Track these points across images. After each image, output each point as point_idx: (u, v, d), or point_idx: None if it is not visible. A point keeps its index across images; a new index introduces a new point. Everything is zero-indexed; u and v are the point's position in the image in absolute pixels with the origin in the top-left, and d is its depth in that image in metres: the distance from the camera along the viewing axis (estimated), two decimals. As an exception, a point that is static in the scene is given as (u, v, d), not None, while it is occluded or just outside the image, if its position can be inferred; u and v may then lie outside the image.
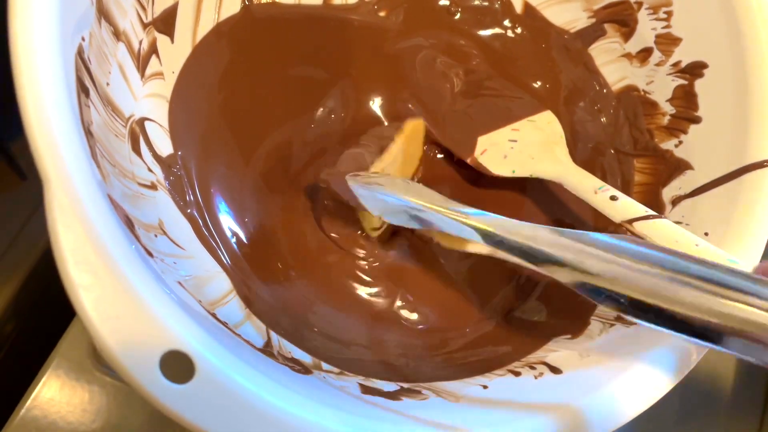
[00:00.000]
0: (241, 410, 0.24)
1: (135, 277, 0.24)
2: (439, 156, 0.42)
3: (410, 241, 0.39)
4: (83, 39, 0.27)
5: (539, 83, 0.43)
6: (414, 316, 0.37)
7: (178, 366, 0.24)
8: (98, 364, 0.41)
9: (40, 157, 0.23)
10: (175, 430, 0.39)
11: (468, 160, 0.40)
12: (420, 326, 0.37)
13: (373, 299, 0.37)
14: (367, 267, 0.38)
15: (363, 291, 0.37)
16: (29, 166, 0.45)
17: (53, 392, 0.40)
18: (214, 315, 0.30)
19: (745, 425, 0.45)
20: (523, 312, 0.38)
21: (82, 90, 0.26)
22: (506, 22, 0.43)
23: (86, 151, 0.24)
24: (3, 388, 0.41)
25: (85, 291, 0.23)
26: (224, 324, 0.30)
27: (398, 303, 0.37)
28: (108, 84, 0.31)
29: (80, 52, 0.27)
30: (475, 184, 0.41)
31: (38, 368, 0.41)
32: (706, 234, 0.34)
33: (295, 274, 0.36)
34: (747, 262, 0.31)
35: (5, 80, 0.41)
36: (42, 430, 0.39)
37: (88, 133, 0.26)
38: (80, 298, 0.22)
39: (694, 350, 0.31)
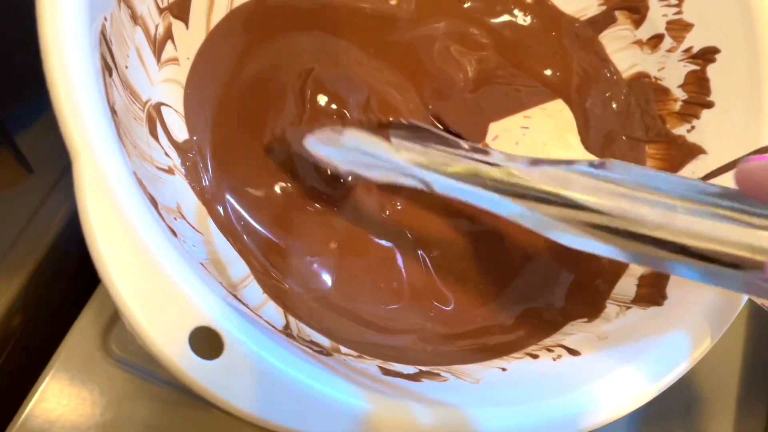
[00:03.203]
0: (269, 386, 0.24)
1: (162, 254, 0.23)
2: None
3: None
4: (105, 19, 0.27)
5: (550, 71, 0.43)
6: (432, 300, 0.37)
7: (206, 343, 0.24)
8: (107, 356, 0.41)
9: (69, 131, 0.23)
10: (189, 419, 0.39)
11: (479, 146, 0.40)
12: (437, 311, 0.37)
13: (388, 284, 0.37)
14: (384, 245, 0.38)
15: (378, 274, 0.37)
16: (36, 160, 0.45)
17: (62, 385, 0.40)
18: (236, 296, 0.30)
19: (752, 418, 0.45)
20: (540, 296, 0.38)
21: (106, 69, 0.26)
22: (516, 11, 0.44)
23: (112, 128, 0.24)
24: (12, 382, 0.41)
25: (114, 265, 0.22)
26: (246, 305, 0.30)
27: (415, 286, 0.37)
28: (127, 67, 0.30)
29: (103, 32, 0.27)
30: None
31: (46, 361, 0.40)
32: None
33: (311, 258, 0.36)
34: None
35: (12, 74, 0.41)
36: (52, 423, 0.38)
37: (113, 111, 0.26)
38: (109, 272, 0.22)
39: (709, 332, 0.31)
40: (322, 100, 0.39)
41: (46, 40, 0.23)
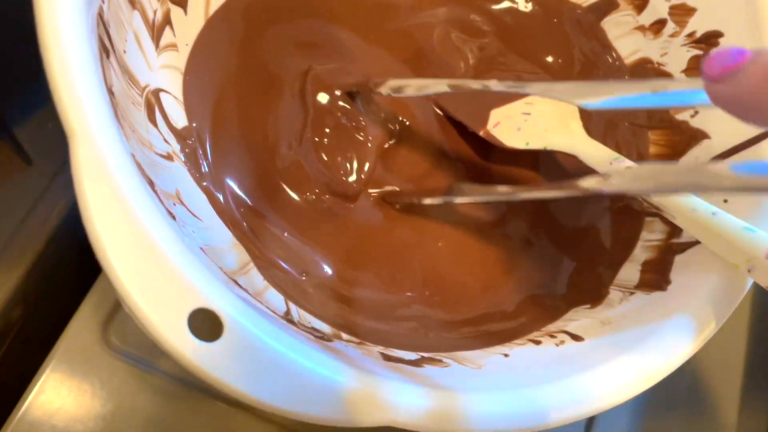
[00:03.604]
0: (269, 369, 0.24)
1: (161, 234, 0.23)
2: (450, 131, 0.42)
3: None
4: (103, 2, 0.27)
5: (552, 58, 0.43)
6: (434, 288, 0.37)
7: (205, 325, 0.24)
8: (108, 347, 0.41)
9: (65, 111, 0.23)
10: (189, 410, 0.39)
11: (481, 133, 0.39)
12: (439, 298, 0.37)
13: (390, 271, 0.37)
14: (387, 233, 0.38)
15: (381, 262, 0.37)
16: (35, 151, 0.45)
17: (63, 376, 0.40)
18: (236, 282, 0.30)
19: (756, 408, 0.45)
20: (542, 283, 0.37)
21: (104, 51, 0.26)
22: (518, -3, 0.43)
23: (110, 109, 0.24)
24: (12, 374, 0.41)
25: (112, 246, 0.22)
26: (246, 291, 0.30)
27: (417, 273, 0.37)
28: (125, 51, 0.30)
29: (101, 14, 0.27)
30: (487, 159, 0.41)
31: (46, 354, 0.40)
32: (725, 201, 0.34)
33: (313, 246, 0.36)
34: (766, 229, 0.31)
35: (10, 64, 0.41)
36: (51, 415, 0.38)
37: (111, 93, 0.26)
38: (106, 252, 0.22)
39: (713, 316, 0.31)
40: (323, 98, 0.38)
41: (42, 21, 0.23)
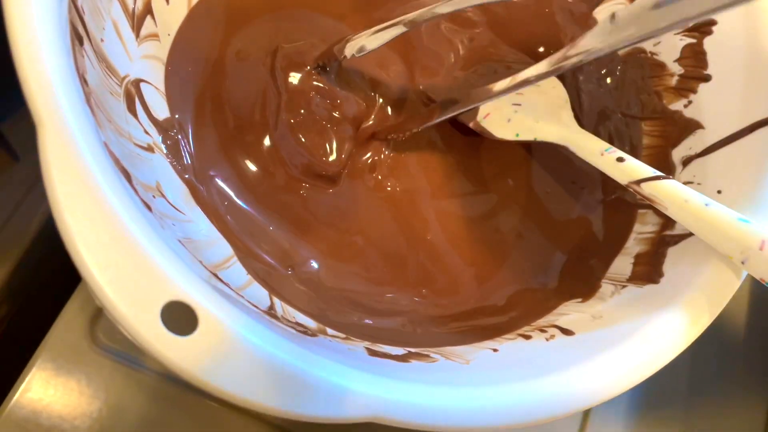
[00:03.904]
0: (245, 363, 0.23)
1: (133, 225, 0.23)
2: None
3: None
4: (76, -13, 0.27)
5: (543, 48, 0.42)
6: (423, 282, 0.36)
7: (179, 318, 0.23)
8: (95, 345, 0.40)
9: (33, 97, 0.22)
10: (176, 408, 0.38)
11: (471, 125, 0.39)
12: (428, 292, 0.36)
13: (379, 266, 0.36)
14: (376, 227, 0.37)
15: (370, 252, 0.36)
16: (22, 147, 0.44)
17: (48, 375, 0.39)
18: (216, 276, 0.29)
19: (754, 402, 0.44)
20: (533, 276, 0.37)
21: (76, 37, 0.25)
22: (509, -13, 0.43)
23: (81, 96, 0.23)
24: (-2, 372, 0.40)
25: (82, 237, 0.22)
26: (227, 284, 0.29)
27: (407, 267, 0.36)
28: (102, 40, 0.30)
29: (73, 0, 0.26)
30: (478, 150, 0.40)
31: (33, 351, 0.40)
32: (719, 192, 0.33)
33: (298, 240, 0.35)
34: (760, 219, 0.30)
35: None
36: (38, 413, 0.38)
37: (83, 80, 0.25)
38: (76, 244, 0.21)
39: (707, 309, 0.30)
40: (295, 78, 0.37)
41: (8, 5, 0.22)
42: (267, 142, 0.36)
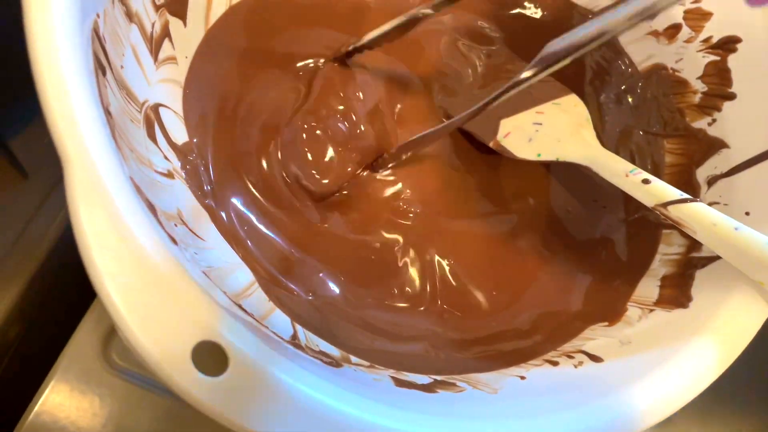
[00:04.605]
0: (277, 403, 0.23)
1: (163, 264, 0.22)
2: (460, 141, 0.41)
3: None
4: (98, 16, 0.26)
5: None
6: (445, 306, 0.36)
7: (209, 358, 0.23)
8: (108, 366, 0.40)
9: (60, 136, 0.21)
10: (190, 429, 0.38)
11: (491, 144, 0.38)
12: (450, 316, 0.35)
13: (401, 290, 0.36)
14: (395, 251, 0.37)
15: (390, 280, 0.36)
16: (31, 164, 0.44)
17: (62, 397, 0.39)
18: (240, 306, 0.29)
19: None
20: (556, 299, 0.36)
21: (99, 68, 0.25)
22: (527, 3, 0.42)
23: (107, 131, 0.23)
24: (10, 394, 0.40)
25: (111, 278, 0.21)
26: (251, 315, 0.29)
27: (428, 290, 0.36)
28: (122, 67, 0.29)
29: (96, 29, 0.25)
30: (497, 169, 0.40)
31: (45, 373, 0.39)
32: (747, 214, 0.33)
33: (318, 265, 0.35)
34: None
35: (5, 77, 0.40)
36: (52, 436, 0.37)
37: (108, 113, 0.24)
38: (105, 285, 0.21)
39: (738, 336, 0.30)
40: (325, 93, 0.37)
41: (33, 38, 0.22)
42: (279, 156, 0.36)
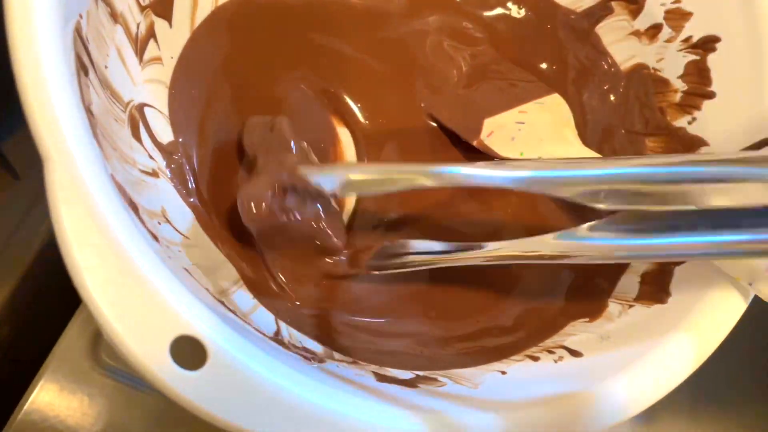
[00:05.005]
0: (256, 397, 0.23)
1: (142, 260, 0.22)
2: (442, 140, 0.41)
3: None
4: (81, 17, 0.26)
5: (546, 65, 0.42)
6: (430, 304, 0.36)
7: (188, 352, 0.23)
8: (97, 365, 0.40)
9: (40, 133, 0.22)
10: (179, 428, 0.38)
11: (474, 143, 0.39)
12: (435, 314, 0.36)
13: (386, 289, 0.36)
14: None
15: (375, 278, 0.36)
16: (23, 166, 0.44)
17: (51, 396, 0.39)
18: (222, 303, 0.29)
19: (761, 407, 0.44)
20: (540, 295, 0.36)
21: (82, 68, 0.25)
22: (510, 3, 0.43)
23: (87, 129, 0.23)
24: (0, 393, 0.40)
25: (90, 273, 0.21)
26: (233, 312, 0.29)
27: (413, 290, 0.36)
28: (106, 67, 0.29)
29: (78, 30, 0.26)
30: None
31: (35, 372, 0.40)
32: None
33: (303, 267, 0.35)
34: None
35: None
36: (41, 435, 0.37)
37: (89, 112, 0.25)
38: (85, 281, 0.21)
39: (716, 331, 0.30)
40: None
41: (14, 37, 0.22)
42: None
